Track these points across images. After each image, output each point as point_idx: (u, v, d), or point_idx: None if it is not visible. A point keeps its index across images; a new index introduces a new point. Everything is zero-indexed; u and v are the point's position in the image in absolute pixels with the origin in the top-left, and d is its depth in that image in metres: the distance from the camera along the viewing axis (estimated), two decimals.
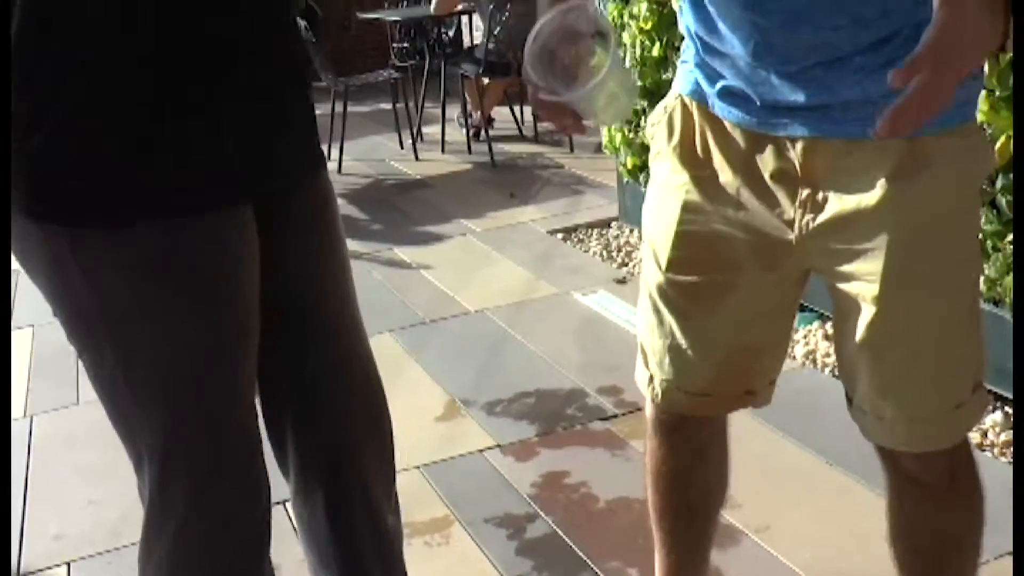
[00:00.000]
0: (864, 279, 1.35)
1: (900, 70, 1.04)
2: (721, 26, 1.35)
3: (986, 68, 2.14)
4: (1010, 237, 2.46)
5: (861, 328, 1.37)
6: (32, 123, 1.25)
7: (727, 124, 1.42)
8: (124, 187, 1.27)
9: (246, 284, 1.39)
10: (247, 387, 1.43)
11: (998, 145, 2.35)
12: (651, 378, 1.57)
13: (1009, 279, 2.48)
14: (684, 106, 1.48)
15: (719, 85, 1.40)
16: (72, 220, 1.27)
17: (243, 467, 1.44)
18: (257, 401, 1.51)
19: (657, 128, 1.51)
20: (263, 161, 1.39)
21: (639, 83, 1.08)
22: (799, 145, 1.35)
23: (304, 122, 1.49)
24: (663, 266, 1.49)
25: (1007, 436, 2.54)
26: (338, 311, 1.56)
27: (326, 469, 1.59)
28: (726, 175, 1.42)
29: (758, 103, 1.35)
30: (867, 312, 1.36)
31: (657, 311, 1.52)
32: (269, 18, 1.38)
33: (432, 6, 6.86)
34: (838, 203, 1.35)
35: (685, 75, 1.48)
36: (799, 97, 1.31)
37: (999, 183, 2.43)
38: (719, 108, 1.42)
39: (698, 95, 1.45)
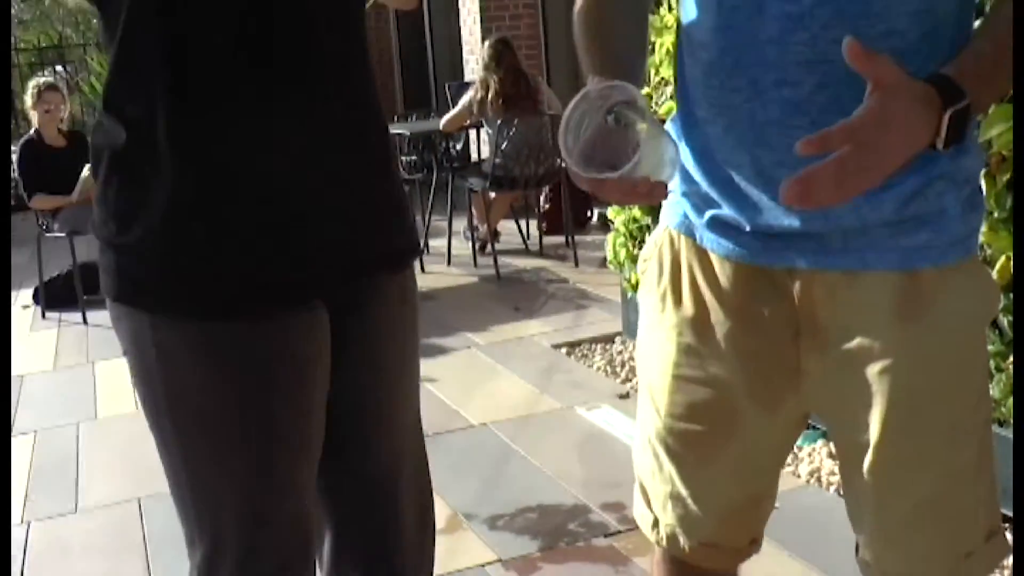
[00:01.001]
0: (865, 424, 1.29)
1: (809, 138, 1.01)
2: (715, 131, 1.31)
3: (984, 189, 2.17)
4: (1012, 358, 2.47)
5: (862, 476, 1.31)
6: (124, 223, 1.34)
7: (716, 259, 1.36)
8: (204, 283, 1.34)
9: (312, 384, 1.43)
10: (304, 486, 1.45)
11: (998, 266, 2.38)
12: (655, 521, 1.50)
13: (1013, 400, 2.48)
14: (671, 241, 1.42)
15: (708, 215, 1.35)
16: (154, 308, 1.35)
17: (290, 565, 1.45)
18: None
19: (648, 264, 1.47)
20: (342, 263, 1.43)
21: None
22: (795, 278, 1.30)
23: (390, 213, 1.51)
24: (661, 412, 1.43)
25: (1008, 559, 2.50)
26: (400, 413, 1.59)
27: (369, 560, 1.61)
28: (718, 315, 1.36)
29: (748, 228, 1.30)
30: (868, 460, 1.30)
31: (656, 456, 1.46)
32: (349, 108, 1.43)
33: (441, 122, 6.99)
34: (839, 343, 1.30)
35: (672, 207, 1.43)
36: (793, 221, 1.26)
37: (1000, 303, 2.45)
38: (708, 240, 1.36)
39: (685, 227, 1.40)
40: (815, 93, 1.20)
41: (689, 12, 1.33)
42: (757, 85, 1.24)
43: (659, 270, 1.44)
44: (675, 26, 3.59)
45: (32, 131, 6.32)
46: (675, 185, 1.41)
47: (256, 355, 1.36)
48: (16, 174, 6.41)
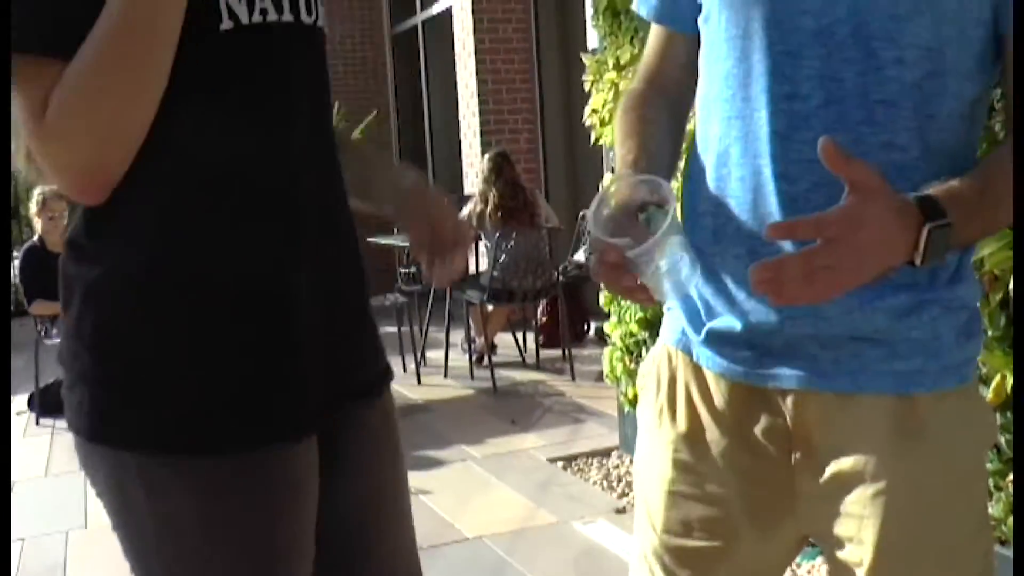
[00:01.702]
0: (858, 548, 1.28)
1: (776, 224, 1.03)
2: (717, 223, 1.32)
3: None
4: (1011, 476, 2.46)
5: None
6: (104, 356, 1.28)
7: (712, 376, 1.36)
8: (195, 419, 1.28)
9: (306, 514, 1.38)
10: None
11: (994, 384, 2.38)
12: None
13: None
14: (669, 357, 1.43)
15: (704, 330, 1.35)
16: (140, 447, 1.28)
17: None
18: None
19: (647, 379, 1.47)
20: (333, 393, 1.40)
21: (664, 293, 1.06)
22: (789, 399, 1.30)
23: (372, 339, 1.52)
24: (657, 527, 1.42)
25: None
26: (391, 536, 1.55)
27: None
28: (714, 433, 1.36)
29: (740, 328, 1.30)
30: None
31: (652, 572, 1.44)
32: (337, 239, 1.42)
33: None
34: (834, 465, 1.29)
35: (671, 323, 1.44)
36: (785, 320, 1.25)
37: (998, 421, 2.45)
38: (704, 358, 1.37)
39: (683, 344, 1.41)
40: (811, 191, 1.22)
41: (703, 107, 1.37)
42: (759, 177, 1.26)
43: (656, 386, 1.44)
44: None
45: (35, 238, 6.38)
46: (673, 301, 1.42)
47: (253, 488, 1.32)
48: (17, 280, 6.43)
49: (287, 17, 1.32)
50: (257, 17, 1.27)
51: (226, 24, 1.24)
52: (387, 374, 1.56)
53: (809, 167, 1.20)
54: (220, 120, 1.27)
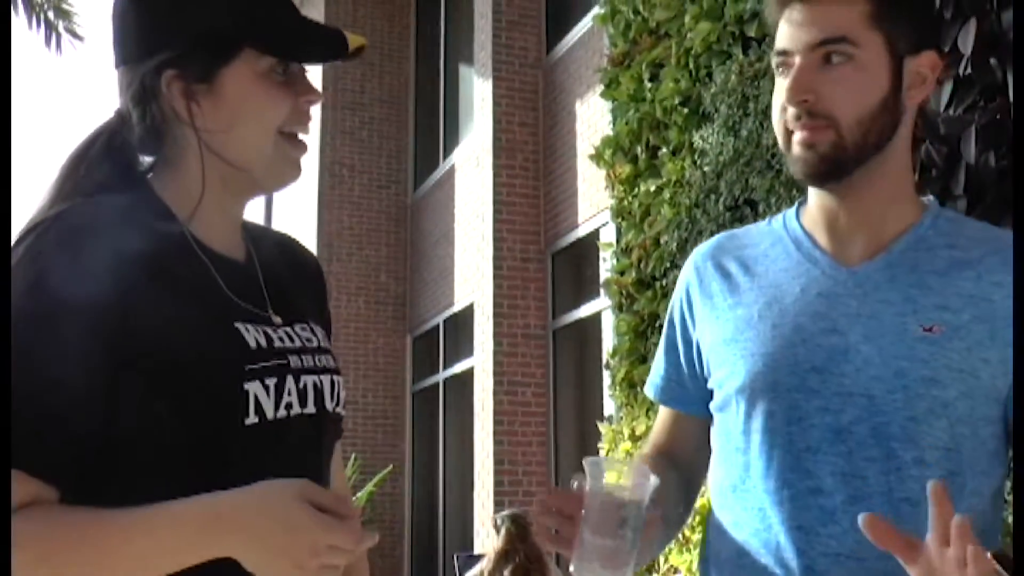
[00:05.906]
0: None
1: (885, 523, 1.04)
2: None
3: None
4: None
5: None
6: None
7: None
8: None
9: None
10: None
11: None
12: None
13: None
14: None
15: None
16: None
17: None
18: None
19: None
20: None
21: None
22: None
23: None
24: None
25: None
26: None
27: None
28: None
29: None
30: None
31: None
32: None
33: None
34: None
35: None
36: None
37: None
38: None
39: None
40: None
41: (721, 494, 1.39)
42: (786, 569, 1.26)
43: None
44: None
45: None
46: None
47: None
48: None
49: (310, 409, 1.28)
50: (282, 412, 1.24)
51: (251, 419, 1.21)
52: None
53: (837, 561, 1.23)
54: None
